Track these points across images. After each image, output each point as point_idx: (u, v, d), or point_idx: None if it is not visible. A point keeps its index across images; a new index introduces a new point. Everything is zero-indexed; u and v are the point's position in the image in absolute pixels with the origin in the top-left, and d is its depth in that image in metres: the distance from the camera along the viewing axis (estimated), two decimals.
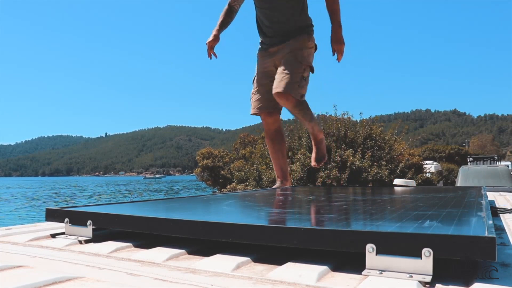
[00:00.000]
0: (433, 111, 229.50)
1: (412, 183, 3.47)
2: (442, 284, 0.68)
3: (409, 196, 1.90)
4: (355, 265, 0.77)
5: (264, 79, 2.73)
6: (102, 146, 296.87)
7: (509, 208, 1.67)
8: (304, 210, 1.40)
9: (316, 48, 2.74)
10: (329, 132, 9.42)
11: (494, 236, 0.67)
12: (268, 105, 2.73)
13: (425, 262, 0.69)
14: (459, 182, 9.33)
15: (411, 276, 0.68)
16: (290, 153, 9.33)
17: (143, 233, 1.09)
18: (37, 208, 20.14)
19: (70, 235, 1.15)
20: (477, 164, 12.25)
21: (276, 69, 2.63)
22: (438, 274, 0.71)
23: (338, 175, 8.42)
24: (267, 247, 0.90)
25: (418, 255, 0.69)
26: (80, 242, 1.08)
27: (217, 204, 1.66)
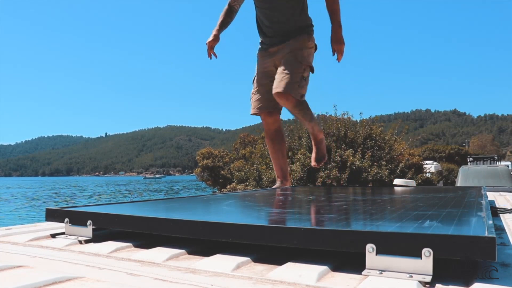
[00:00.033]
0: (433, 111, 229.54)
1: (412, 183, 3.47)
2: (442, 284, 0.68)
3: (409, 196, 1.90)
4: (355, 265, 0.77)
5: (264, 79, 2.73)
6: (102, 146, 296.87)
7: (509, 208, 1.67)
8: (304, 210, 1.40)
9: (316, 48, 2.75)
10: (329, 132, 9.42)
11: (494, 236, 0.67)
12: (268, 105, 2.73)
13: (425, 262, 0.69)
14: (459, 182, 9.33)
15: (411, 276, 0.68)
16: (290, 153, 9.33)
17: (143, 233, 1.09)
18: (37, 208, 20.14)
19: (70, 235, 1.15)
20: (477, 164, 12.25)
21: (276, 69, 2.63)
22: (438, 274, 0.71)
23: (338, 175, 8.42)
24: (267, 247, 0.90)
25: (418, 255, 0.69)
26: (80, 242, 1.08)
27: (217, 204, 1.66)
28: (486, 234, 0.70)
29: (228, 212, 1.41)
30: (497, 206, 1.85)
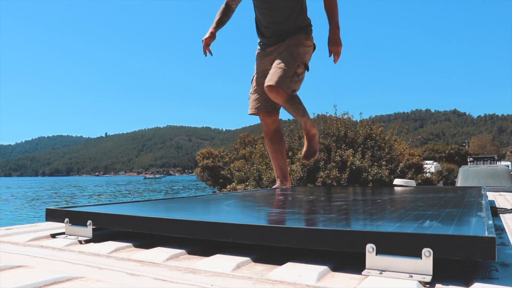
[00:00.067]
0: (433, 111, 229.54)
1: (412, 183, 3.47)
2: (442, 284, 0.68)
3: (409, 196, 1.90)
4: (355, 265, 0.77)
5: (262, 79, 2.73)
6: (102, 146, 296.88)
7: (509, 208, 1.67)
8: (304, 210, 1.40)
9: (314, 48, 2.74)
10: (329, 132, 9.42)
11: (494, 236, 0.67)
12: (266, 105, 2.73)
13: (425, 262, 0.69)
14: (459, 182, 9.33)
15: (411, 276, 0.68)
16: (290, 153, 9.33)
17: (143, 233, 1.09)
18: (37, 208, 20.14)
19: (70, 235, 1.15)
20: (477, 164, 12.25)
21: None
22: (438, 274, 0.71)
23: (338, 175, 8.42)
24: (267, 247, 0.90)
25: (418, 255, 0.69)
26: (80, 242, 1.08)
27: (217, 204, 1.66)
28: (486, 234, 0.70)
29: (228, 212, 1.41)
30: (497, 206, 1.85)
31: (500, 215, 1.52)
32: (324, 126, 9.71)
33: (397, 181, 3.55)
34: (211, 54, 2.81)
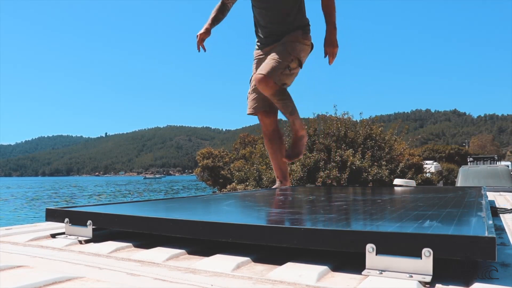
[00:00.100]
0: (433, 111, 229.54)
1: (412, 183, 3.47)
2: (442, 284, 0.68)
3: (409, 196, 1.90)
4: (355, 265, 0.77)
5: None
6: (102, 146, 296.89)
7: (509, 208, 1.67)
8: (304, 210, 1.40)
9: (312, 48, 2.73)
10: (329, 132, 9.42)
11: (494, 236, 0.67)
12: (264, 104, 2.72)
13: (425, 262, 0.69)
14: (459, 182, 9.33)
15: (411, 276, 0.68)
16: None
17: (143, 233, 1.09)
18: (37, 208, 20.14)
19: (70, 235, 1.15)
20: (477, 164, 12.25)
21: None
22: (438, 274, 0.71)
23: (338, 175, 8.42)
24: (267, 247, 0.90)
25: (418, 255, 0.69)
26: (80, 242, 1.08)
27: (217, 204, 1.66)
28: (486, 234, 0.70)
29: (228, 212, 1.41)
30: (497, 206, 1.85)
31: (500, 215, 1.52)
32: (324, 126, 9.71)
33: (397, 181, 3.55)
34: (205, 50, 2.79)
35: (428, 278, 0.68)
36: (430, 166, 18.07)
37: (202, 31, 2.77)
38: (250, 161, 10.94)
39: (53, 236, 1.18)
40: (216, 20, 2.82)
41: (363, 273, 0.73)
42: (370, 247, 0.73)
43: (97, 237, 1.10)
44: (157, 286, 0.70)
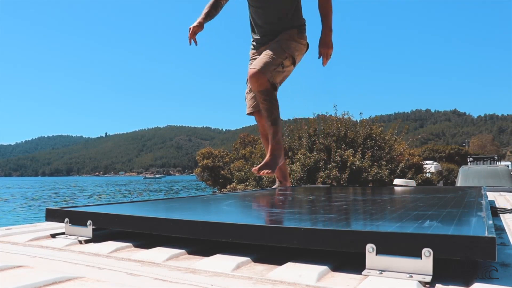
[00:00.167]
0: (433, 111, 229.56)
1: (412, 183, 3.47)
2: (442, 284, 0.68)
3: (409, 196, 1.90)
4: (355, 265, 0.77)
5: None
6: (102, 146, 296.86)
7: (509, 208, 1.67)
8: (304, 210, 1.40)
9: (307, 47, 2.72)
10: (329, 132, 9.42)
11: (494, 236, 0.67)
12: None
13: (425, 262, 0.69)
14: (459, 182, 9.33)
15: (411, 276, 0.68)
16: (290, 153, 9.34)
17: (143, 233, 1.09)
18: (37, 208, 20.14)
19: (70, 235, 1.15)
20: (477, 164, 12.26)
21: None
22: (438, 274, 0.71)
23: (338, 175, 8.42)
24: (267, 247, 0.90)
25: (418, 255, 0.69)
26: (80, 242, 1.08)
27: (217, 204, 1.66)
28: (486, 234, 0.70)
29: (228, 212, 1.41)
30: (497, 206, 1.85)
31: (500, 215, 1.52)
32: (324, 126, 9.71)
33: (397, 181, 3.55)
34: (196, 43, 2.74)
35: (428, 278, 0.68)
36: (430, 166, 18.07)
37: (195, 24, 2.73)
38: (250, 161, 10.94)
39: (53, 236, 1.18)
40: (209, 15, 2.79)
41: (363, 273, 0.73)
42: (370, 247, 0.73)
43: (97, 237, 1.10)
44: (157, 286, 0.70)
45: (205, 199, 1.83)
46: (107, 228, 1.18)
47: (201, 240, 0.98)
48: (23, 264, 0.85)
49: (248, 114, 2.83)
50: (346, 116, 9.94)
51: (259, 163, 2.67)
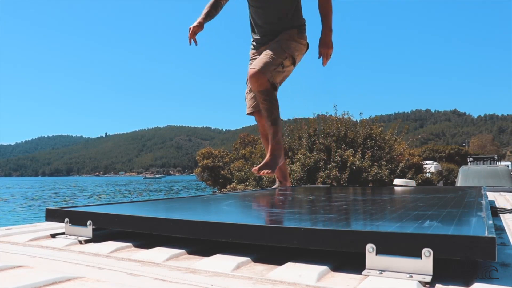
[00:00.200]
0: (433, 111, 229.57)
1: (412, 183, 3.47)
2: (442, 284, 0.68)
3: (409, 196, 1.90)
4: (355, 265, 0.77)
5: None
6: (102, 146, 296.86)
7: (509, 208, 1.67)
8: (304, 210, 1.40)
9: (307, 48, 2.72)
10: (329, 132, 9.42)
11: (494, 236, 0.67)
12: None
13: (425, 262, 0.69)
14: (459, 182, 9.33)
15: (411, 276, 0.68)
16: (290, 153, 9.34)
17: (143, 233, 1.09)
18: (36, 208, 20.13)
19: (70, 235, 1.15)
20: (477, 164, 12.26)
21: None
22: (438, 274, 0.71)
23: (338, 175, 8.42)
24: (267, 247, 0.90)
25: (418, 255, 0.69)
26: (80, 242, 1.08)
27: (217, 204, 1.66)
28: (486, 234, 0.70)
29: (228, 212, 1.41)
30: (497, 206, 1.85)
31: (500, 215, 1.52)
32: (324, 126, 9.71)
33: (397, 181, 3.55)
34: (196, 43, 2.73)
35: (428, 278, 0.68)
36: (430, 166, 18.07)
37: (195, 24, 2.72)
38: (250, 161, 10.94)
39: (53, 236, 1.18)
40: (209, 15, 2.78)
41: (363, 273, 0.73)
42: (370, 247, 0.73)
43: (97, 237, 1.10)
44: (157, 286, 0.70)
45: (205, 199, 1.83)
46: (107, 228, 1.18)
47: (201, 240, 0.98)
48: (23, 264, 0.85)
49: (248, 114, 2.83)
50: (346, 116, 9.94)
51: (259, 163, 2.66)
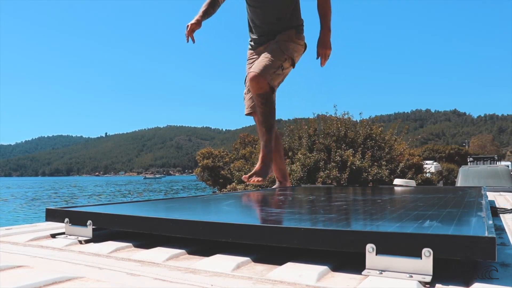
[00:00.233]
0: (433, 111, 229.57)
1: (412, 183, 3.47)
2: (442, 284, 0.68)
3: (409, 196, 1.90)
4: (355, 265, 0.77)
5: None
6: (102, 146, 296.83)
7: (509, 208, 1.67)
8: (304, 210, 1.40)
9: (305, 48, 2.72)
10: (329, 132, 9.42)
11: (494, 236, 0.67)
12: None
13: (425, 262, 0.69)
14: (459, 182, 9.33)
15: (411, 276, 0.68)
16: (290, 153, 9.34)
17: (143, 233, 1.09)
18: (36, 208, 20.13)
19: (70, 235, 1.15)
20: (477, 164, 12.26)
21: None
22: (438, 274, 0.71)
23: (338, 175, 8.42)
24: (267, 247, 0.90)
25: (418, 255, 0.69)
26: (80, 242, 1.08)
27: (217, 204, 1.66)
28: (486, 234, 0.70)
29: (228, 212, 1.41)
30: (497, 206, 1.85)
31: (500, 215, 1.52)
32: (324, 126, 9.71)
33: (397, 181, 3.55)
34: (194, 41, 2.71)
35: (428, 278, 0.68)
36: (430, 166, 18.07)
37: (193, 21, 2.70)
38: (250, 161, 10.94)
39: (53, 236, 1.18)
40: (206, 13, 2.76)
41: (363, 273, 0.73)
42: (370, 247, 0.73)
43: (97, 237, 1.10)
44: (157, 286, 0.70)
45: (205, 199, 1.83)
46: (107, 228, 1.18)
47: (201, 240, 0.98)
48: (23, 264, 0.85)
49: (247, 114, 2.82)
50: (346, 116, 9.94)
51: None
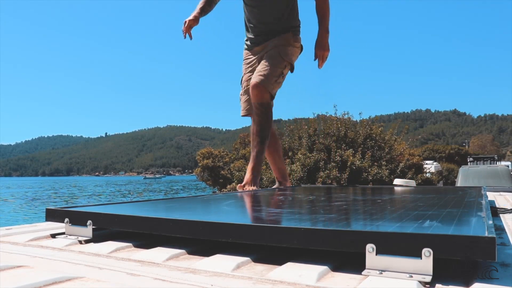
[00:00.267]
0: (433, 111, 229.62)
1: (412, 183, 3.47)
2: (442, 284, 0.68)
3: (409, 196, 1.90)
4: (355, 265, 0.77)
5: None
6: (102, 146, 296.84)
7: (509, 208, 1.67)
8: (304, 210, 1.40)
9: (301, 49, 2.72)
10: (329, 132, 9.42)
11: (494, 236, 0.67)
12: None
13: (425, 262, 0.69)
14: (459, 182, 9.34)
15: (411, 276, 0.68)
16: (290, 153, 9.34)
17: (143, 233, 1.09)
18: (36, 208, 20.13)
19: (70, 235, 1.15)
20: (477, 164, 12.26)
21: None
22: (438, 274, 0.71)
23: (338, 175, 8.42)
24: (267, 247, 0.90)
25: (418, 255, 0.69)
26: (80, 242, 1.08)
27: (217, 204, 1.66)
28: (486, 234, 0.70)
29: (228, 212, 1.41)
30: (497, 206, 1.85)
31: (500, 215, 1.52)
32: (324, 126, 9.71)
33: (397, 181, 3.55)
34: (191, 38, 2.70)
35: (428, 278, 0.68)
36: (430, 166, 18.07)
37: (190, 18, 2.70)
38: None
39: (53, 236, 1.18)
40: (204, 10, 2.76)
41: (363, 273, 0.73)
42: (370, 247, 0.73)
43: (97, 237, 1.10)
44: (157, 286, 0.70)
45: (205, 199, 1.83)
46: (107, 228, 1.18)
47: (201, 240, 0.98)
48: (23, 264, 0.85)
49: (243, 116, 2.82)
50: (346, 116, 9.94)
51: None
